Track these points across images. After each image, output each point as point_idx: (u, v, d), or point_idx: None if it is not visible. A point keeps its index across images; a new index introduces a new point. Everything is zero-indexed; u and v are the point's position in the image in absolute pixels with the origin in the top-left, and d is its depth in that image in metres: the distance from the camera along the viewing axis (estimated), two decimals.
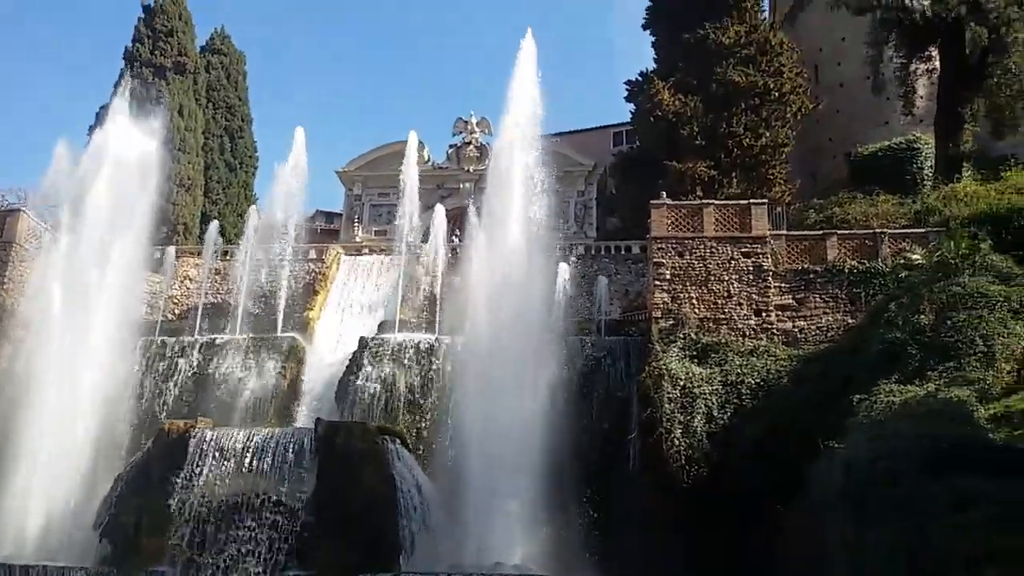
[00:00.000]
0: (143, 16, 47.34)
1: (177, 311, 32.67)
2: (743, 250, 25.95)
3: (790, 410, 20.91)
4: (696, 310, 25.20)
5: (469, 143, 43.72)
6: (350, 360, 26.21)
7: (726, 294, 25.43)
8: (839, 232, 27.01)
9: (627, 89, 42.01)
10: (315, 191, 74.58)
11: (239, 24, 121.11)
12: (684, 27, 38.14)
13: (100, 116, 38.12)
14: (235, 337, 28.25)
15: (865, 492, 13.80)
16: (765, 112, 36.34)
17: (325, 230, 48.28)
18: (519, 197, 24.42)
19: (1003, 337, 18.77)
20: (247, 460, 19.43)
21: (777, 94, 36.67)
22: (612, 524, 21.71)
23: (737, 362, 23.07)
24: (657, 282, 25.69)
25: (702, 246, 26.02)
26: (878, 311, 22.72)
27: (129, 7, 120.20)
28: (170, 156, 37.80)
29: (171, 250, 33.27)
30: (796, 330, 25.04)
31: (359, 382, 25.28)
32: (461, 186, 42.00)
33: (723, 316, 25.09)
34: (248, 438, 19.97)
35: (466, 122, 44.35)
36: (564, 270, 27.25)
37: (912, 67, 35.18)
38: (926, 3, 33.95)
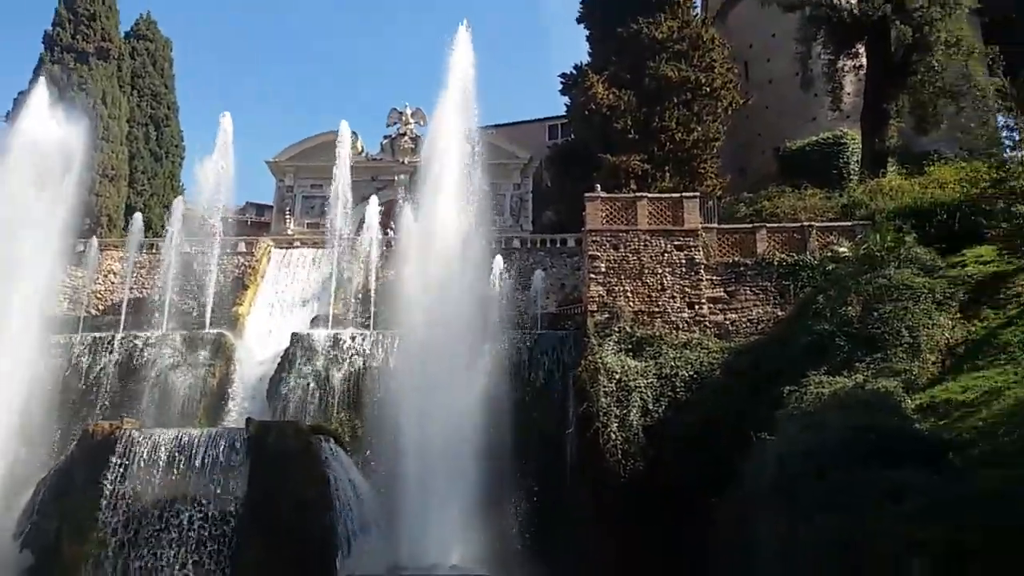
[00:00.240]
0: None
1: (101, 306, 31.77)
2: (676, 243, 26.17)
3: (723, 402, 21.20)
4: (631, 303, 25.33)
5: (404, 134, 43.16)
6: (282, 357, 25.73)
7: (660, 287, 25.61)
8: (768, 225, 27.43)
9: (562, 82, 42.06)
10: (247, 183, 73.41)
11: (165, 10, 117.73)
12: (618, 21, 38.27)
13: (18, 103, 36.58)
14: (162, 333, 27.47)
15: (796, 484, 14.05)
16: (697, 107, 36.70)
17: (256, 222, 47.37)
18: (453, 189, 24.18)
19: (928, 328, 19.33)
20: (176, 462, 18.99)
21: (708, 89, 37.05)
22: (550, 520, 21.72)
23: (671, 355, 23.22)
24: (592, 275, 25.75)
25: (636, 239, 26.16)
26: (806, 303, 23.18)
27: None
28: (93, 145, 36.63)
29: (94, 243, 32.26)
30: (728, 323, 25.34)
31: (291, 380, 24.87)
32: (396, 178, 41.39)
33: (657, 309, 25.27)
34: (176, 439, 19.52)
35: (401, 113, 43.78)
36: (500, 264, 27.15)
37: (840, 64, 35.92)
38: (853, 1, 34.75)
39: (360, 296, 29.87)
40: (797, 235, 26.55)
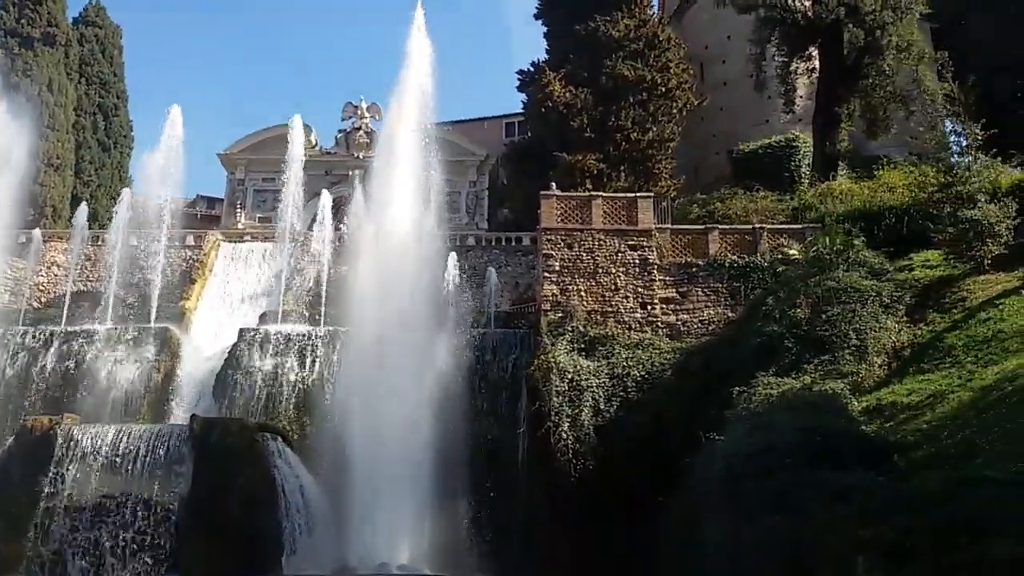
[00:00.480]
0: None
1: (43, 299, 31.02)
2: (630, 243, 26.21)
3: (674, 403, 21.30)
4: (584, 302, 25.31)
5: (359, 128, 42.85)
6: (229, 353, 25.19)
7: (613, 287, 25.63)
8: (720, 227, 27.63)
9: (519, 79, 42.07)
10: (198, 176, 72.15)
11: None
12: (576, 18, 38.32)
13: None
14: (106, 327, 26.79)
15: (743, 485, 14.10)
16: (652, 107, 36.87)
17: (206, 216, 46.61)
18: (408, 185, 23.98)
19: (875, 331, 19.59)
20: (117, 459, 18.83)
21: (664, 89, 37.26)
22: (500, 520, 21.64)
23: (623, 355, 23.26)
24: (546, 274, 25.69)
25: (590, 238, 26.17)
26: (756, 305, 23.36)
27: None
28: (37, 133, 35.77)
29: (37, 234, 31.41)
30: (680, 323, 25.45)
31: (239, 376, 24.37)
32: (350, 172, 40.99)
33: (610, 309, 25.29)
34: (118, 436, 19.32)
35: (356, 107, 43.41)
36: (454, 261, 26.96)
37: (793, 66, 36.30)
38: (807, 3, 35.17)
39: (312, 292, 29.49)
40: (748, 237, 26.76)
